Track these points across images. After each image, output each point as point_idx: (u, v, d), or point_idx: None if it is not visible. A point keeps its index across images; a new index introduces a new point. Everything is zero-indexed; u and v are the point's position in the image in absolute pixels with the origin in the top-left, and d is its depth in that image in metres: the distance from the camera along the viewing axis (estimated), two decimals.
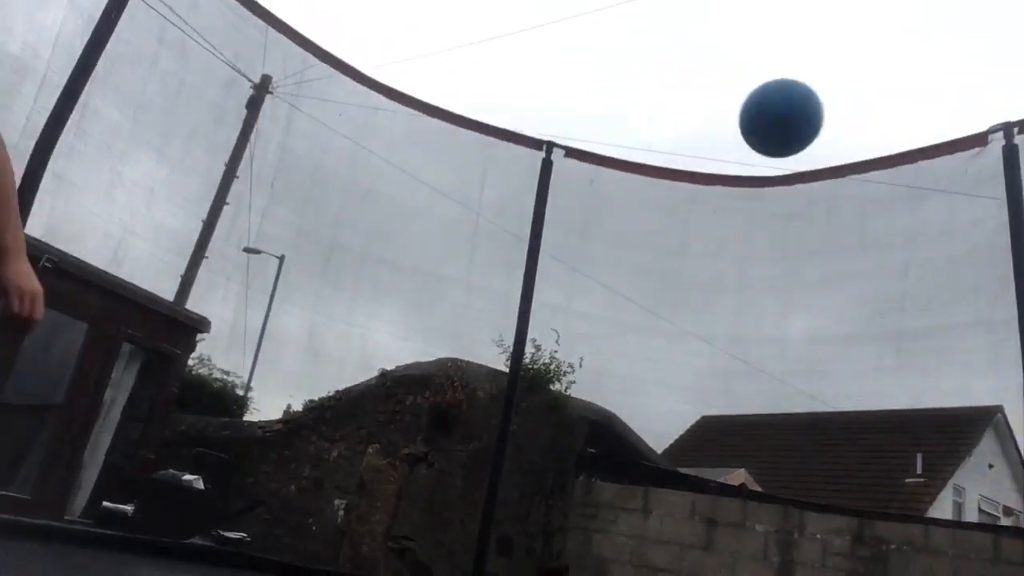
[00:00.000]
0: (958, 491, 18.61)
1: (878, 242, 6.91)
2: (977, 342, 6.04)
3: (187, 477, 8.60)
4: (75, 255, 8.11)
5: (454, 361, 9.85)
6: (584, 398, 9.64)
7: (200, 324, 9.65)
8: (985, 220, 5.41)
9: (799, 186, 6.97)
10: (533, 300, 7.48)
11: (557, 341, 9.29)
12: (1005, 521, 18.28)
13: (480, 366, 9.69)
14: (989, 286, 5.45)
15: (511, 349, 8.68)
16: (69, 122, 6.00)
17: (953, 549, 7.26)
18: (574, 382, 9.54)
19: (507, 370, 8.81)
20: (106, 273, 8.46)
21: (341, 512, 9.59)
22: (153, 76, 8.85)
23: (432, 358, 10.05)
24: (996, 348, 5.46)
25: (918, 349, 6.60)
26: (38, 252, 7.57)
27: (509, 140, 8.05)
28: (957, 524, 8.51)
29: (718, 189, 7.62)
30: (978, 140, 5.56)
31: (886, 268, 6.80)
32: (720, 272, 8.06)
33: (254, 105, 10.68)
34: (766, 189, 7.40)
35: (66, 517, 8.06)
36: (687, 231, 8.11)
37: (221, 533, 8.22)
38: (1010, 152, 5.27)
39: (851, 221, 7.04)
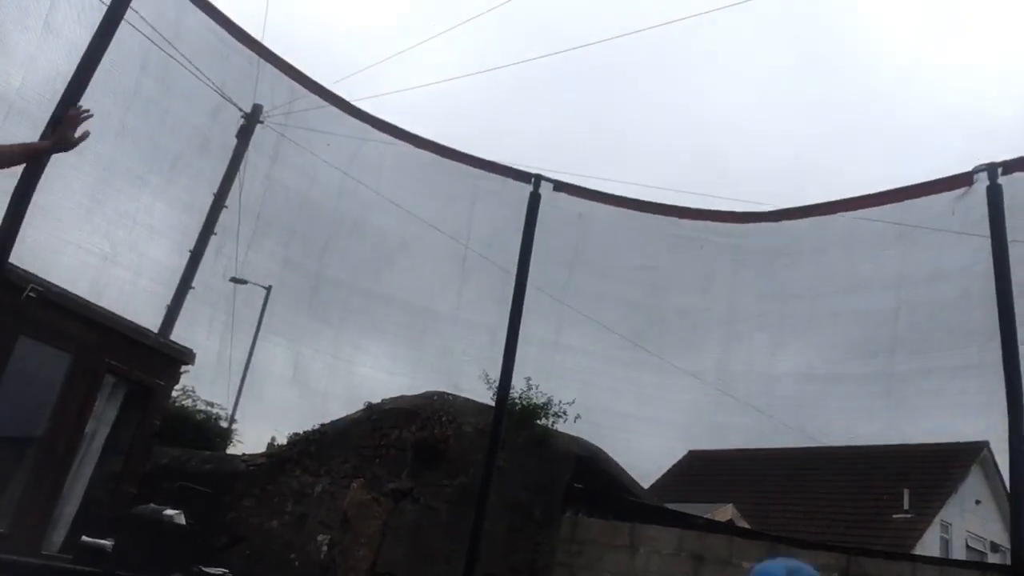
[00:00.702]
0: (945, 527, 18.56)
1: (868, 283, 6.94)
2: (967, 384, 6.06)
3: (168, 512, 8.46)
4: (59, 285, 8.04)
5: (441, 395, 9.79)
6: (571, 433, 9.59)
7: (185, 356, 9.55)
8: (975, 264, 5.45)
9: (786, 223, 7.02)
10: (520, 334, 7.45)
11: (538, 387, 9.29)
12: (992, 557, 18.22)
13: (467, 400, 9.63)
14: (980, 329, 5.47)
15: (498, 383, 8.63)
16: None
17: None
18: (561, 417, 9.50)
19: (494, 404, 8.76)
20: (90, 303, 8.38)
21: (324, 548, 9.44)
22: (137, 104, 8.85)
23: (419, 392, 9.98)
24: (986, 391, 5.48)
25: (908, 391, 6.61)
26: (22, 282, 7.50)
27: (497, 172, 8.08)
28: (945, 562, 8.47)
29: (706, 224, 7.66)
30: (963, 180, 5.62)
31: (875, 310, 6.82)
32: (707, 308, 8.07)
33: (244, 134, 10.66)
34: (753, 225, 7.45)
35: (44, 552, 7.90)
36: (675, 266, 8.13)
37: (202, 569, 8.08)
38: (994, 193, 5.32)
39: (839, 261, 7.08)
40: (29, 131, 6.36)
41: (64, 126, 3.49)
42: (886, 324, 6.62)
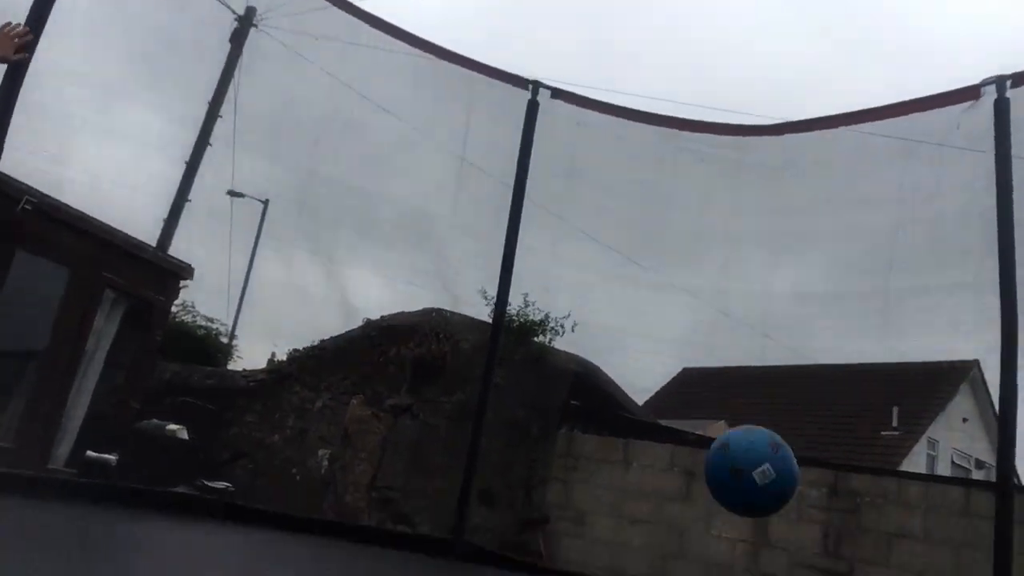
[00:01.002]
0: (932, 444, 18.97)
1: (868, 199, 6.85)
2: (962, 302, 6.06)
3: (171, 427, 8.59)
4: (54, 197, 7.94)
5: (439, 312, 9.82)
6: (567, 349, 9.67)
7: (183, 270, 9.51)
8: (976, 180, 5.37)
9: (789, 136, 6.89)
10: (518, 247, 7.36)
11: (535, 303, 9.30)
12: (976, 474, 18.68)
13: (464, 317, 9.67)
14: (978, 247, 5.43)
15: (495, 300, 8.64)
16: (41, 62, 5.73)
17: (925, 502, 7.42)
18: (558, 332, 9.57)
19: (491, 321, 8.80)
20: (87, 216, 8.27)
21: (325, 462, 9.64)
22: (125, 13, 8.57)
23: (417, 308, 10.01)
24: (980, 310, 5.47)
25: (903, 308, 6.62)
26: (17, 194, 7.41)
27: (495, 77, 7.83)
28: (930, 478, 8.67)
29: (706, 137, 7.51)
30: (971, 93, 5.49)
31: (875, 226, 6.76)
32: (706, 224, 8.00)
33: (238, 38, 10.32)
34: (755, 139, 7.31)
35: (49, 466, 8.03)
36: (674, 181, 8.01)
37: (205, 483, 8.25)
38: (1001, 106, 5.21)
39: (841, 176, 6.97)
40: None
41: None
42: (885, 241, 6.58)
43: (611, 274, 8.42)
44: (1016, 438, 4.26)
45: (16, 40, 3.25)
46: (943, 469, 18.35)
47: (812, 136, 6.80)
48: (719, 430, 13.33)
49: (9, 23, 3.28)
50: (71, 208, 8.11)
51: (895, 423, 17.99)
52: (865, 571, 7.45)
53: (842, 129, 6.33)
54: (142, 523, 3.57)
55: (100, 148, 8.78)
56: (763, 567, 7.89)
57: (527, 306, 9.51)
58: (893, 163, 6.32)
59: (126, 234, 8.78)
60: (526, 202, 6.79)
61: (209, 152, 9.98)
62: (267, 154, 9.84)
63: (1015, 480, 4.54)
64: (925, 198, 6.27)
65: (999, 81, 5.32)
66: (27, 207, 7.35)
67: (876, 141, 6.19)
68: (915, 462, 17.13)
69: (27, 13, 5.47)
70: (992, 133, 5.15)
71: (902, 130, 5.90)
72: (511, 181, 6.94)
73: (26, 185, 7.56)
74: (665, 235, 8.07)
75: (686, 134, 7.29)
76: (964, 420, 19.88)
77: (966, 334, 6.55)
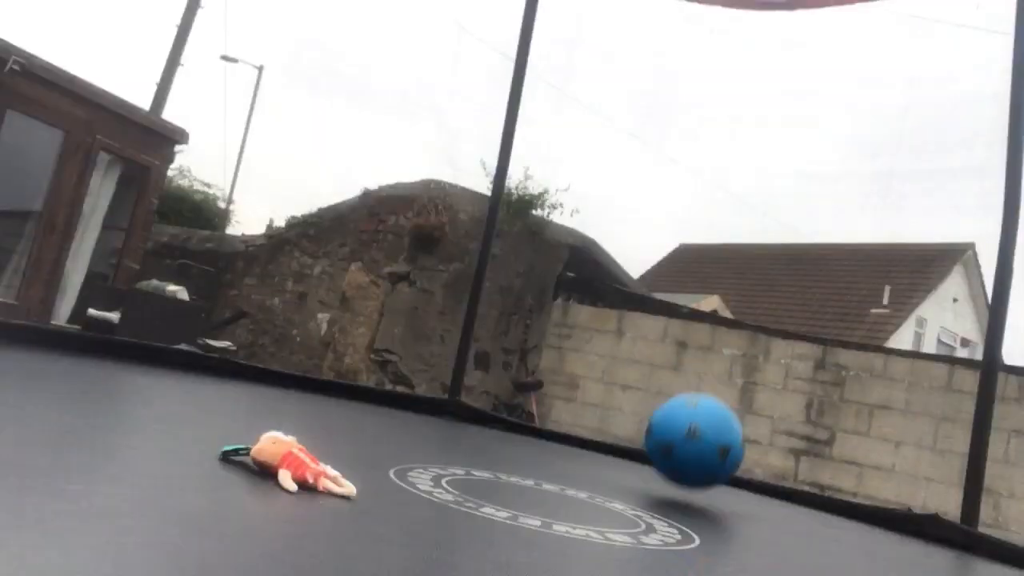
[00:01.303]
0: (920, 322, 19.35)
1: (880, 79, 6.73)
2: (966, 186, 6.04)
3: (171, 288, 8.70)
4: (43, 58, 7.76)
5: (437, 183, 9.78)
6: (565, 224, 9.71)
7: (177, 134, 9.41)
8: (992, 63, 5.22)
9: (802, 11, 6.65)
10: (518, 117, 7.23)
11: (533, 177, 9.22)
12: (961, 352, 19.15)
13: (464, 189, 9.65)
14: (987, 131, 5.33)
15: (495, 171, 8.57)
16: None
17: (909, 377, 7.66)
18: (556, 208, 9.58)
19: (490, 193, 8.76)
20: (78, 78, 8.12)
21: (324, 325, 9.84)
22: None
23: (416, 179, 9.97)
24: (984, 194, 5.45)
25: (906, 190, 6.62)
26: (5, 53, 7.23)
27: None
28: (916, 355, 8.90)
29: (716, 10, 7.25)
30: None
31: (884, 107, 6.65)
32: (712, 99, 7.86)
33: None
34: (767, 12, 7.08)
35: (52, 323, 8.21)
36: (682, 53, 7.80)
37: (207, 342, 8.44)
38: None
39: (854, 55, 6.80)
40: None
41: None
42: (893, 121, 6.49)
43: (612, 148, 8.33)
44: (1007, 316, 4.33)
45: None
46: (929, 347, 18.80)
47: (826, 13, 6.56)
48: (711, 304, 13.56)
49: None
50: (62, 70, 7.93)
51: (886, 301, 18.28)
52: (845, 439, 7.77)
53: (858, 5, 6.09)
54: (146, 376, 3.69)
55: (90, 8, 8.49)
56: (746, 433, 8.20)
57: (527, 179, 9.48)
58: (908, 43, 6.14)
59: (119, 97, 8.62)
60: (528, 72, 6.60)
61: (202, 16, 9.68)
62: (260, 19, 9.54)
63: (1000, 358, 4.67)
64: (937, 80, 6.13)
65: None
66: (15, 68, 7.17)
67: (892, 19, 5.99)
68: (903, 339, 17.52)
69: None
70: (1015, 12, 4.96)
71: (920, 7, 5.70)
72: (512, 51, 6.73)
73: (14, 45, 7.36)
74: (669, 110, 7.93)
75: (696, 5, 7.01)
76: (954, 300, 20.21)
77: (966, 217, 6.58)
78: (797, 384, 8.11)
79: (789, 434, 8.04)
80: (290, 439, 1.94)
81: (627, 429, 8.45)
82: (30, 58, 7.50)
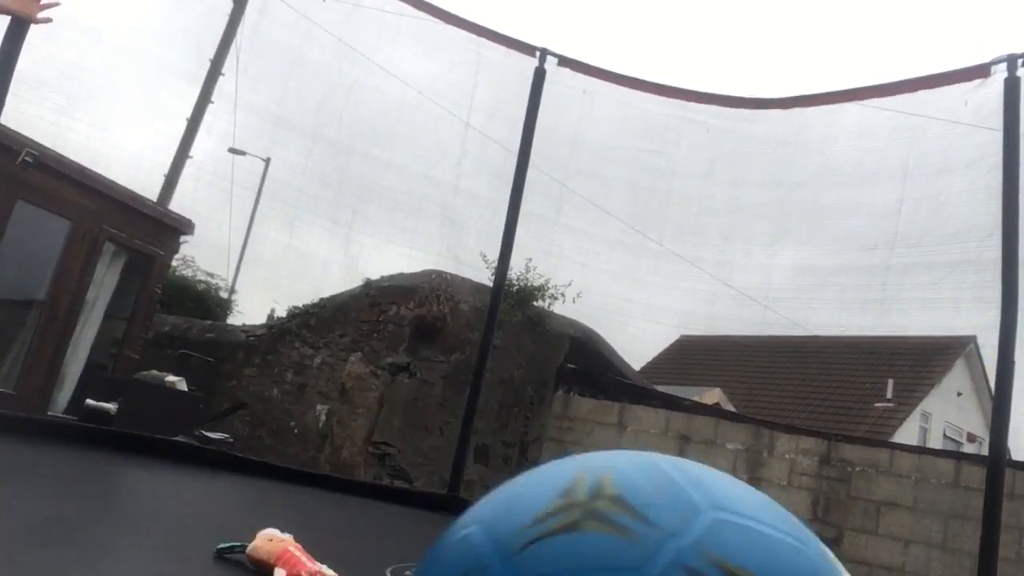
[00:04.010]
0: (925, 417, 19.14)
1: (873, 175, 6.85)
2: (963, 279, 6.09)
3: (170, 378, 8.65)
4: (56, 151, 7.95)
5: (439, 273, 9.86)
6: (566, 315, 9.73)
7: (184, 225, 9.54)
8: (982, 158, 5.35)
9: (795, 110, 6.86)
10: (520, 212, 7.37)
11: (536, 268, 9.33)
12: (968, 447, 18.87)
13: (465, 279, 9.72)
14: (981, 225, 5.43)
15: (496, 263, 8.67)
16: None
17: (916, 473, 7.53)
18: (557, 299, 9.63)
19: (491, 284, 8.83)
20: (88, 170, 8.30)
21: (323, 417, 9.74)
22: None
23: (417, 269, 10.05)
24: (981, 286, 5.50)
25: (904, 283, 6.65)
26: (18, 146, 7.40)
27: (502, 43, 7.77)
28: (921, 450, 8.77)
29: (713, 109, 7.49)
30: (980, 71, 5.45)
31: (879, 202, 6.76)
32: (710, 195, 8.00)
33: None
34: (761, 112, 7.29)
35: (49, 413, 8.13)
36: (679, 150, 7.99)
37: (204, 433, 8.33)
38: (1012, 84, 5.18)
39: (846, 151, 6.96)
40: None
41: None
42: (889, 216, 6.59)
43: (613, 241, 8.45)
44: (1011, 412, 4.30)
45: (43, 2, 3.50)
46: (935, 442, 18.54)
47: (819, 111, 6.77)
48: (714, 397, 13.45)
49: None
50: (72, 161, 8.11)
51: (889, 395, 18.13)
52: (854, 538, 7.58)
53: (850, 104, 6.29)
54: (141, 469, 3.63)
55: (104, 102, 8.77)
56: None
57: (528, 271, 9.55)
58: (900, 139, 6.31)
59: (127, 188, 8.78)
60: (530, 168, 6.76)
61: (211, 110, 9.97)
62: (270, 113, 9.84)
63: (1007, 454, 4.61)
64: (930, 174, 6.27)
65: (1010, 59, 5.28)
66: (28, 159, 7.33)
67: (883, 117, 6.17)
68: (908, 434, 17.30)
69: None
70: (1001, 111, 5.12)
71: (910, 106, 5.88)
72: (515, 147, 6.91)
73: (28, 138, 7.55)
74: (668, 204, 8.08)
75: (693, 105, 7.24)
76: (959, 394, 20.04)
77: (966, 311, 6.60)
78: (803, 480, 7.96)
79: None
80: (286, 536, 1.90)
81: None
82: (43, 150, 7.67)
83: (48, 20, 3.61)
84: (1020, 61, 5.17)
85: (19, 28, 4.70)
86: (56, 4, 3.59)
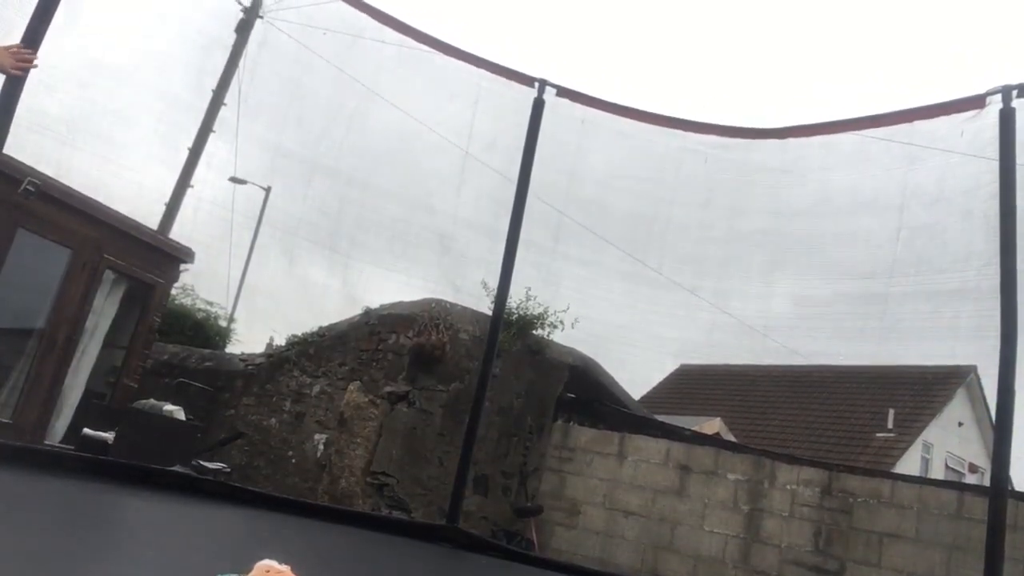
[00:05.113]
0: (927, 447, 19.04)
1: (870, 204, 6.89)
2: (962, 308, 6.10)
3: (168, 407, 8.62)
4: (58, 180, 7.99)
5: (438, 302, 9.86)
6: (566, 343, 9.72)
7: (184, 254, 9.56)
8: (979, 187, 5.39)
9: (792, 140, 6.92)
10: (519, 240, 7.40)
11: (535, 297, 9.35)
12: (970, 478, 18.76)
13: (464, 308, 9.72)
14: (979, 253, 5.46)
15: (496, 292, 8.67)
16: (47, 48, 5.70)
17: (918, 504, 7.47)
18: (556, 327, 9.61)
19: (491, 313, 8.82)
20: (89, 199, 8.34)
21: (321, 446, 9.69)
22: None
23: (417, 298, 10.05)
24: (980, 315, 5.51)
25: (903, 312, 6.66)
26: (20, 175, 7.44)
27: (501, 74, 7.84)
28: (923, 480, 8.72)
29: (711, 139, 7.54)
30: (976, 102, 5.51)
31: (877, 231, 6.80)
32: (708, 224, 8.04)
33: (243, 29, 10.43)
34: (759, 141, 7.34)
35: (46, 442, 8.08)
36: (677, 180, 8.04)
37: (201, 463, 8.29)
38: (1007, 115, 5.23)
39: (843, 180, 7.01)
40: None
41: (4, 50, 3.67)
42: (886, 245, 6.62)
43: (612, 270, 8.47)
44: (1012, 443, 4.29)
45: (17, 60, 3.67)
46: (937, 472, 18.43)
47: (815, 140, 6.83)
48: (714, 427, 13.39)
49: (17, 45, 3.82)
50: (74, 190, 8.15)
51: (890, 425, 18.05)
52: (856, 570, 7.50)
53: (846, 134, 6.35)
54: (138, 499, 3.61)
55: (106, 132, 8.84)
56: (754, 563, 7.95)
57: (528, 300, 9.55)
58: (896, 168, 6.35)
59: (128, 217, 8.82)
60: (529, 197, 6.80)
61: (213, 140, 10.05)
62: (270, 143, 9.91)
63: (1009, 485, 4.58)
64: (927, 203, 6.30)
65: (1005, 91, 5.34)
66: (30, 188, 7.37)
67: (879, 146, 6.22)
68: (909, 464, 17.21)
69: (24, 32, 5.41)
70: (997, 142, 5.16)
71: (906, 136, 5.93)
72: (514, 176, 6.96)
73: (30, 167, 7.59)
74: (667, 234, 8.11)
75: (691, 135, 7.30)
76: (960, 424, 19.97)
77: (965, 340, 6.60)
78: (804, 511, 7.91)
79: (797, 563, 7.77)
80: (284, 568, 1.89)
81: (629, 558, 8.19)
82: (45, 179, 7.71)
83: (23, 75, 3.85)
84: (1015, 92, 5.22)
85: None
86: (33, 67, 3.81)
